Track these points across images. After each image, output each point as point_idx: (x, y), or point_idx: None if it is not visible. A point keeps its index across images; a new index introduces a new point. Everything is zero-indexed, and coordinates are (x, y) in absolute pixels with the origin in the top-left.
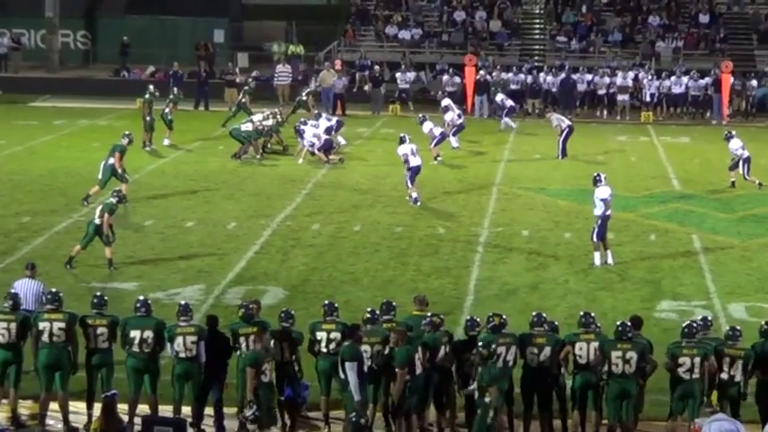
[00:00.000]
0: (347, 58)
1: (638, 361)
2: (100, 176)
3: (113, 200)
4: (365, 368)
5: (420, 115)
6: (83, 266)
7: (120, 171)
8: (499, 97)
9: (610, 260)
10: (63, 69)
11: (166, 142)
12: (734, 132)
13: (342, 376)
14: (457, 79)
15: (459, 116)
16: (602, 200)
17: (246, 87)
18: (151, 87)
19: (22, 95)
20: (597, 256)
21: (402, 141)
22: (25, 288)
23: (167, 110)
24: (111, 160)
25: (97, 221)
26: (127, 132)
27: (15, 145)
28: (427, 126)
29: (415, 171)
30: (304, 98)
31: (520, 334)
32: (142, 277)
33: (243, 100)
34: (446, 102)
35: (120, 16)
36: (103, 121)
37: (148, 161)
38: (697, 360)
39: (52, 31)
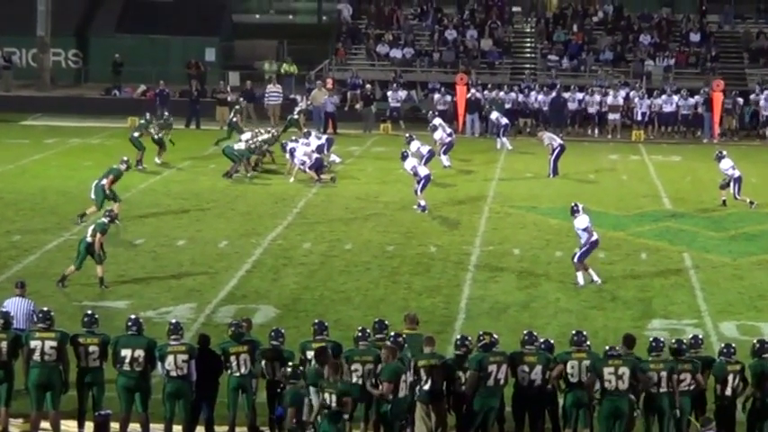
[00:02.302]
0: (338, 76)
1: (630, 377)
2: (93, 197)
3: (105, 219)
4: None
5: (407, 135)
6: (74, 285)
7: (108, 193)
8: (494, 115)
9: (596, 278)
10: (54, 88)
11: (158, 161)
12: (725, 152)
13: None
14: (448, 98)
15: (450, 135)
16: (582, 230)
17: (237, 107)
18: (148, 115)
19: (14, 114)
20: (580, 276)
21: (404, 157)
22: (16, 307)
23: (137, 134)
24: (104, 181)
25: (89, 240)
26: (125, 158)
27: (6, 163)
28: (414, 145)
29: (426, 180)
30: (296, 117)
31: (511, 352)
32: (133, 296)
33: (234, 119)
34: (436, 121)
35: (111, 35)
36: (95, 140)
37: (140, 179)
38: (663, 374)
39: (43, 50)
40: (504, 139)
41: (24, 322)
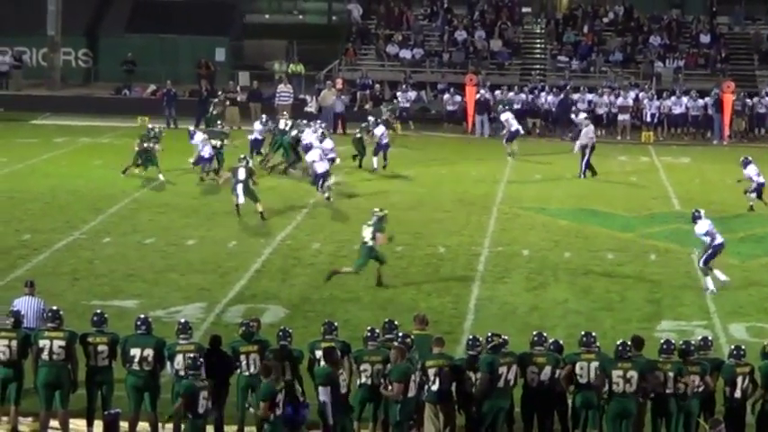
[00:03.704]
0: (348, 77)
1: (638, 380)
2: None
3: (376, 217)
4: (342, 391)
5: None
6: (84, 284)
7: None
8: (504, 116)
9: (723, 277)
10: (64, 87)
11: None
12: (750, 158)
13: (318, 399)
14: (457, 98)
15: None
16: (703, 235)
17: (217, 100)
18: (156, 129)
19: (24, 113)
20: (709, 282)
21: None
22: (26, 306)
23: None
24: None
25: (370, 243)
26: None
27: (16, 163)
28: (379, 130)
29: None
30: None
31: (520, 353)
32: (143, 295)
33: (214, 112)
34: (506, 115)
35: (121, 35)
36: (105, 139)
37: (149, 179)
38: (671, 375)
39: (54, 50)
40: (514, 147)
41: (35, 321)
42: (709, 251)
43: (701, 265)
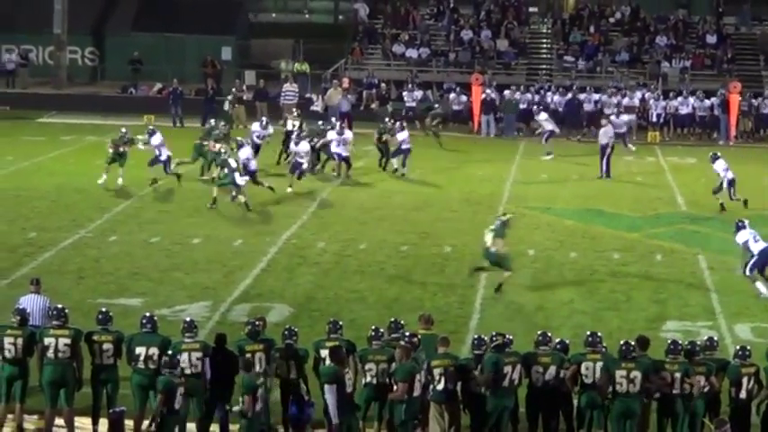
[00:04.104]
0: (354, 76)
1: (642, 380)
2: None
3: (499, 221)
4: (348, 389)
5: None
6: (90, 282)
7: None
8: (541, 117)
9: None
10: (70, 86)
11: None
12: (719, 153)
13: (323, 398)
14: (463, 98)
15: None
16: (742, 244)
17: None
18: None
19: (30, 111)
20: (761, 286)
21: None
22: (32, 303)
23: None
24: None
25: (492, 249)
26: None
27: (22, 161)
28: (402, 135)
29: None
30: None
31: (524, 353)
32: (148, 294)
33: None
34: (542, 115)
35: (127, 33)
36: (110, 138)
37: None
38: (677, 375)
39: (60, 48)
40: (549, 155)
41: (40, 319)
42: (755, 258)
43: (747, 273)
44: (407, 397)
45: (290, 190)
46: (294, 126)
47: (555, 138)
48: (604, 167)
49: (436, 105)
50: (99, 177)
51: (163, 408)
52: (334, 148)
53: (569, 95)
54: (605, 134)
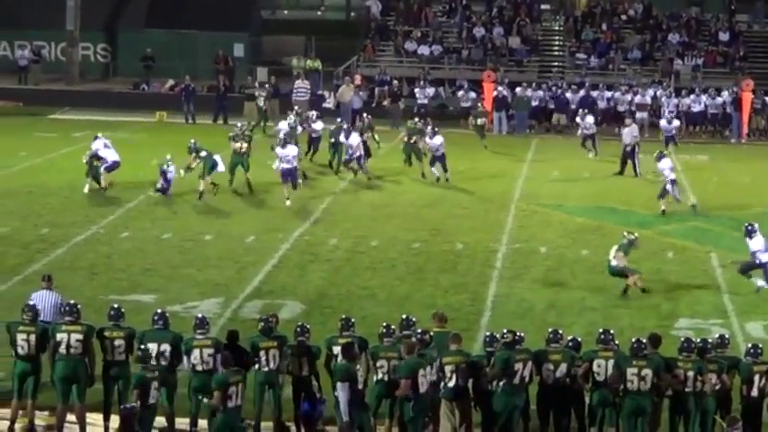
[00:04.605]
0: (366, 73)
1: (653, 378)
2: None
3: (626, 240)
4: (359, 387)
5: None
6: (102, 278)
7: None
8: (590, 120)
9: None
10: (83, 82)
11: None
12: (665, 152)
13: (334, 395)
14: (472, 94)
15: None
16: (753, 252)
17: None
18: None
19: (42, 108)
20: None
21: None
22: (44, 300)
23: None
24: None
25: (613, 263)
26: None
27: (35, 157)
28: (437, 140)
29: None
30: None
31: (535, 350)
32: (160, 290)
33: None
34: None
35: (140, 30)
36: (123, 134)
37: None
38: (691, 374)
39: (72, 44)
40: (592, 150)
41: (52, 315)
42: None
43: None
44: (413, 393)
45: (288, 203)
46: (291, 123)
47: (566, 135)
48: (637, 167)
49: (479, 105)
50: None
51: (137, 402)
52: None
53: (582, 92)
54: (629, 134)
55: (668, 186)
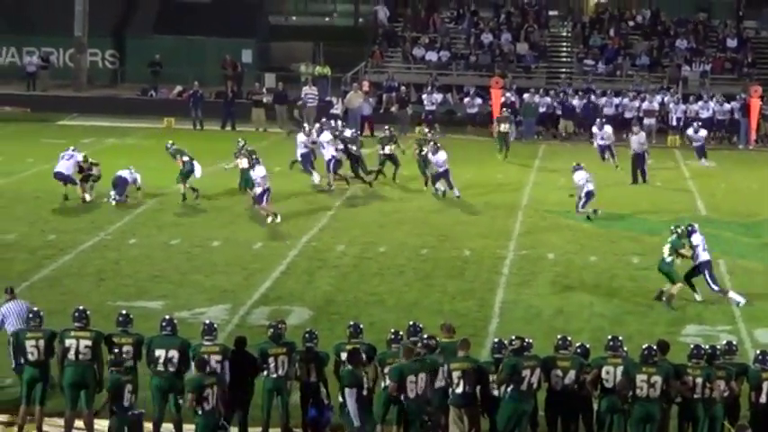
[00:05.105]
0: (374, 79)
1: (662, 385)
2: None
3: (674, 236)
4: (364, 392)
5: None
6: (110, 284)
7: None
8: (608, 129)
9: (699, 297)
10: (91, 88)
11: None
12: (582, 165)
13: (341, 401)
14: (478, 100)
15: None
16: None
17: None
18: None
19: (50, 114)
20: (734, 295)
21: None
22: (16, 310)
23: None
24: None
25: (668, 259)
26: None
27: (43, 163)
28: (326, 136)
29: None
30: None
31: (544, 357)
32: (168, 296)
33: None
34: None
35: (148, 36)
36: (131, 140)
37: (174, 180)
38: (700, 380)
39: (81, 50)
40: (704, 160)
41: (19, 323)
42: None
43: (714, 287)
44: (404, 397)
45: (271, 219)
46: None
47: (574, 141)
48: (646, 173)
49: (508, 111)
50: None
51: (111, 405)
52: (328, 154)
53: (588, 98)
54: (637, 142)
55: (582, 195)
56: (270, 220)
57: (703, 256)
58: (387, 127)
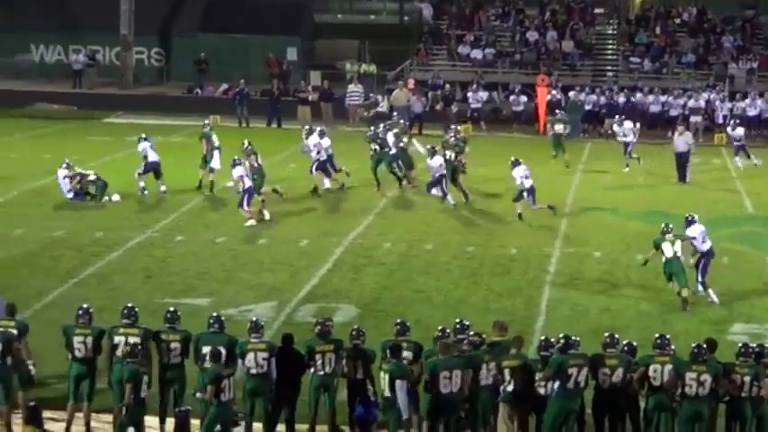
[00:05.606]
0: (419, 77)
1: (711, 384)
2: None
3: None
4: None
5: (307, 127)
6: (157, 281)
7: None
8: (628, 125)
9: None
10: (137, 86)
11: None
12: (521, 160)
13: (389, 394)
14: (523, 98)
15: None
16: (692, 238)
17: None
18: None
19: (96, 112)
20: (712, 294)
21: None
22: None
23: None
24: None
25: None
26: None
27: (89, 161)
28: (313, 139)
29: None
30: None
31: (591, 355)
32: (215, 294)
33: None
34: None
35: (194, 34)
36: (176, 138)
37: (220, 178)
38: (748, 379)
39: (127, 48)
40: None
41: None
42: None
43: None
44: (435, 392)
45: (250, 222)
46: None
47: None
48: (687, 173)
49: (559, 112)
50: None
51: (132, 397)
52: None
53: (636, 96)
54: (683, 141)
55: (524, 194)
56: (249, 222)
57: (703, 246)
58: (399, 120)
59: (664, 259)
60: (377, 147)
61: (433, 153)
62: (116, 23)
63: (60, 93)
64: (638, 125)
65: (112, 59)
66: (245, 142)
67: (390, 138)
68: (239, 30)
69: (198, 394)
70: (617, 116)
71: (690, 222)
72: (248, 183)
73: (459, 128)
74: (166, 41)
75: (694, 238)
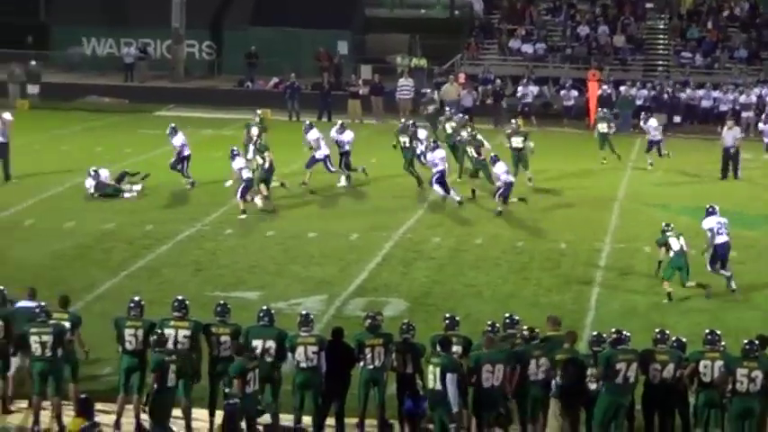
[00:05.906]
0: (470, 71)
1: (763, 380)
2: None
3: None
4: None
5: (307, 122)
6: (207, 274)
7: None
8: (653, 123)
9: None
10: (188, 79)
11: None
12: (498, 157)
13: (439, 387)
14: (574, 93)
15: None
16: (708, 229)
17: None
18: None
19: (148, 105)
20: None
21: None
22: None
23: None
24: None
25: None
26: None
27: (140, 153)
28: (313, 134)
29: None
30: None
31: (642, 350)
32: (265, 287)
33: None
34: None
35: (245, 28)
36: (227, 131)
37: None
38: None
39: (178, 42)
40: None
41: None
42: (711, 250)
43: (708, 267)
44: (477, 386)
45: (243, 216)
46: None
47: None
48: (739, 168)
49: (604, 111)
50: (215, 171)
51: (156, 385)
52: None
53: (687, 92)
54: (732, 136)
55: (500, 188)
56: (242, 216)
57: (719, 239)
58: (454, 114)
59: (672, 254)
60: (407, 139)
61: (435, 147)
62: (167, 17)
63: (112, 86)
64: (662, 122)
65: (164, 53)
66: (257, 137)
67: (422, 133)
68: (290, 23)
69: (227, 389)
70: (642, 113)
71: (709, 213)
72: (247, 174)
73: (518, 121)
74: (217, 35)
75: (711, 228)
